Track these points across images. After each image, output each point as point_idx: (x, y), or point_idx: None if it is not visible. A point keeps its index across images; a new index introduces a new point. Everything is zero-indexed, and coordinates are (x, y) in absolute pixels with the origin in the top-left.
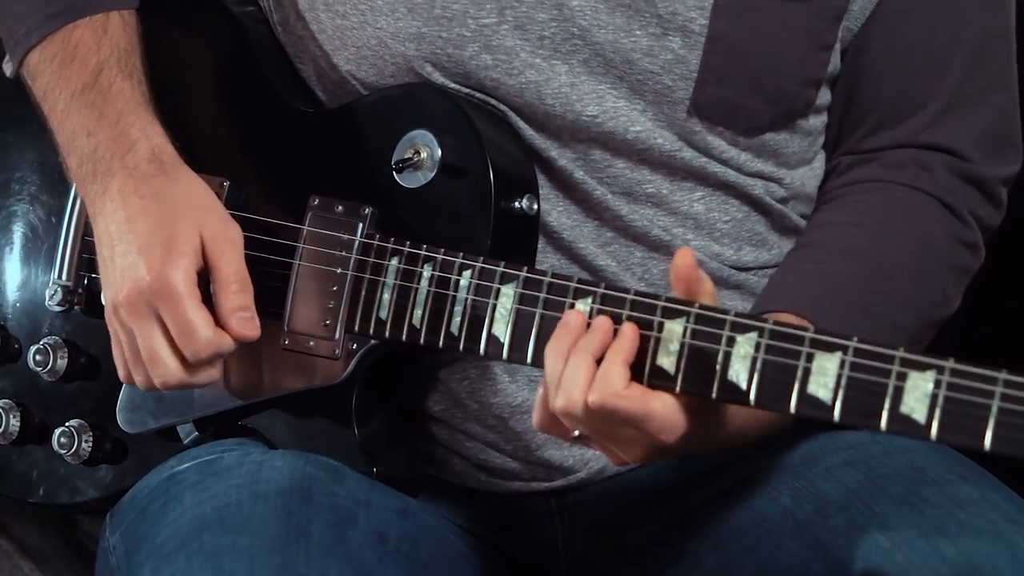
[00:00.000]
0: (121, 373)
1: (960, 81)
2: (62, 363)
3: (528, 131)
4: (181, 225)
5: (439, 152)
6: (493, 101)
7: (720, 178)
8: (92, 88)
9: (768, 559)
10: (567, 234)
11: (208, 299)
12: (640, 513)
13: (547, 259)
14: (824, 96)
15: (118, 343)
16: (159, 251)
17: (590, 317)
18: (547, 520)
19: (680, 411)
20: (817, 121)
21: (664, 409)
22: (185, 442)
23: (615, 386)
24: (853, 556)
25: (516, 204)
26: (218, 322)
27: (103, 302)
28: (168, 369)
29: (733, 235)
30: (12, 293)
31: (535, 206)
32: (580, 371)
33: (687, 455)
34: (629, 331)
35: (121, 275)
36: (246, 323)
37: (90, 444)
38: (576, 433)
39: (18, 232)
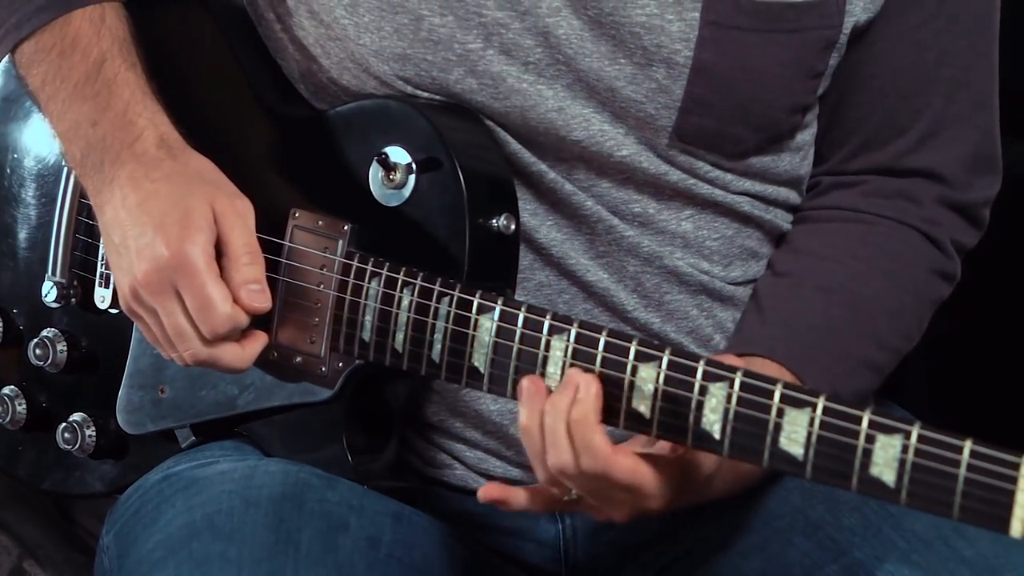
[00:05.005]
0: (174, 358)
1: (945, 103)
2: (62, 356)
3: (514, 145)
4: (194, 201)
5: (414, 170)
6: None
7: (708, 198)
8: (96, 79)
9: (778, 558)
10: (556, 249)
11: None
12: None
13: (536, 275)
14: (811, 113)
15: (146, 327)
16: (175, 228)
17: (565, 355)
18: (548, 522)
19: (666, 482)
20: (806, 135)
21: (652, 482)
22: (183, 445)
23: (601, 452)
24: (869, 556)
25: (493, 222)
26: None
27: (119, 292)
28: (195, 344)
29: (723, 252)
30: (11, 284)
31: (512, 225)
32: (560, 435)
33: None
34: (593, 390)
35: (138, 255)
36: (255, 295)
37: (94, 437)
38: (569, 497)
39: (13, 221)
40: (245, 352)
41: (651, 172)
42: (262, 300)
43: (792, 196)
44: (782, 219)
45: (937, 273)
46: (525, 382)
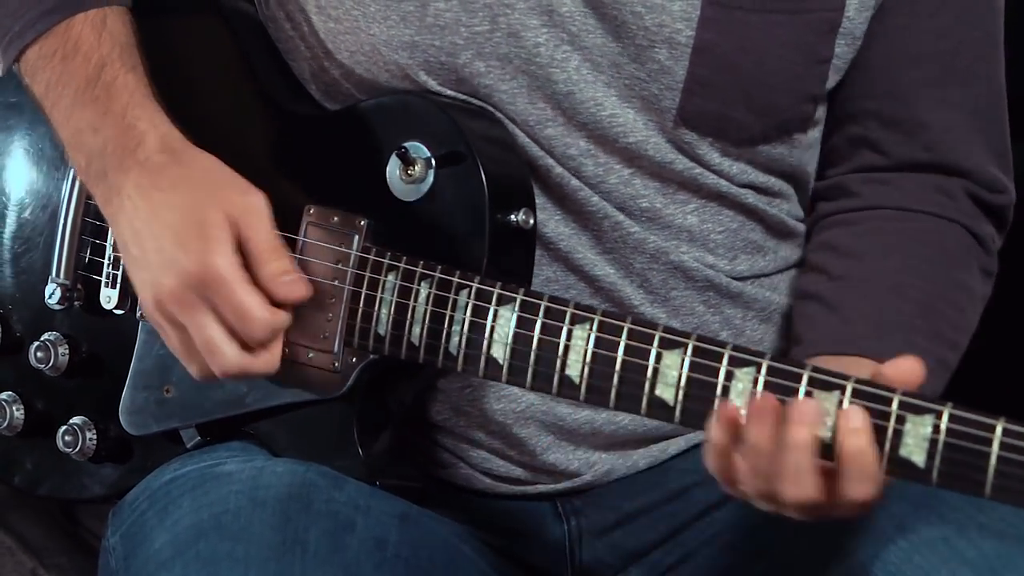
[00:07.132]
0: (193, 371)
1: (963, 94)
2: (63, 359)
3: (522, 138)
4: (207, 210)
5: (433, 165)
6: (490, 108)
7: (712, 189)
8: (96, 84)
9: (782, 559)
10: (564, 243)
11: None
12: (648, 515)
13: (543, 271)
14: (821, 108)
15: (167, 336)
16: (195, 242)
17: (587, 344)
18: (554, 523)
19: None
20: (815, 132)
21: None
22: (188, 446)
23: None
24: (871, 557)
25: (512, 217)
26: (264, 294)
27: (141, 301)
28: (227, 357)
29: (728, 245)
30: (11, 288)
31: (531, 220)
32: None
33: None
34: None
35: (162, 270)
36: (291, 285)
37: (95, 441)
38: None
39: (15, 224)
40: (272, 355)
41: (657, 160)
42: (299, 287)
43: (793, 191)
44: (785, 213)
45: (984, 272)
46: (761, 399)
